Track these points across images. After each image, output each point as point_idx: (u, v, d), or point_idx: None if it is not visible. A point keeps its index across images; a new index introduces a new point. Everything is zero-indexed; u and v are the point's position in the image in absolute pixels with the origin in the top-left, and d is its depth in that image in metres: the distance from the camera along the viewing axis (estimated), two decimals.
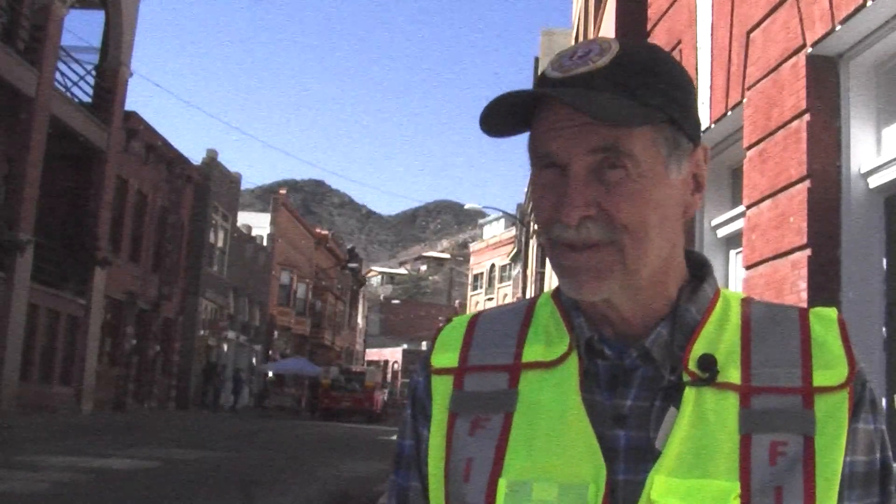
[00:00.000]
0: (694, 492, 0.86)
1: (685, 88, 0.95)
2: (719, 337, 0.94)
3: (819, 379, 0.90)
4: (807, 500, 0.86)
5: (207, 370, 36.07)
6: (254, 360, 44.16)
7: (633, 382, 0.94)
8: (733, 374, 0.91)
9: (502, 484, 0.90)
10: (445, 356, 1.02)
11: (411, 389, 1.06)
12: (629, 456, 0.90)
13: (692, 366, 0.92)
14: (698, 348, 0.93)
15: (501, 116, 0.94)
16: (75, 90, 23.99)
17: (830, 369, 0.91)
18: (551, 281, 24.54)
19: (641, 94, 0.90)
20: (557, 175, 0.92)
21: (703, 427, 0.89)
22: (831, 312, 0.96)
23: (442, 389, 1.00)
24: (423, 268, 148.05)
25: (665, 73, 0.93)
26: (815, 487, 0.86)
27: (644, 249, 0.91)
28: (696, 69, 6.50)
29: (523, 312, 1.04)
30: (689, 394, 0.90)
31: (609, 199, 0.90)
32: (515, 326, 1.02)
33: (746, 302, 0.99)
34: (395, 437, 1.10)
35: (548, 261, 0.96)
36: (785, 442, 0.87)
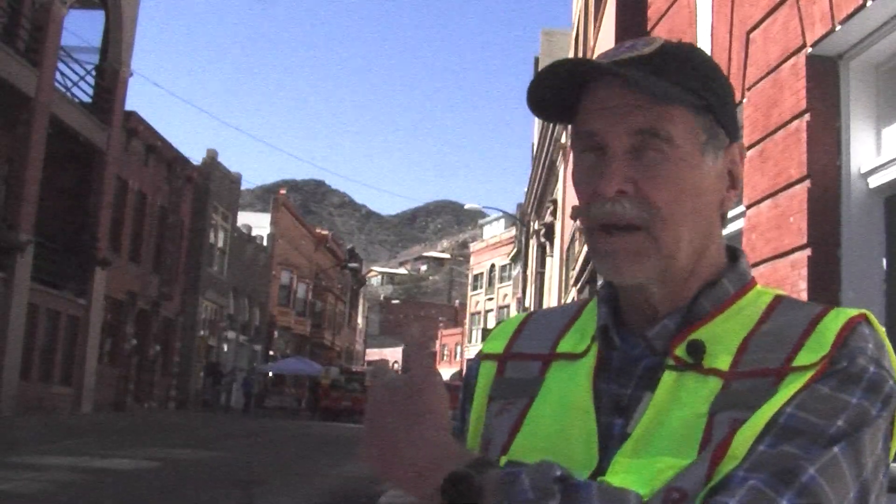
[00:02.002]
0: (640, 468, 0.87)
1: (723, 84, 0.99)
2: (724, 328, 0.95)
3: (798, 360, 0.89)
4: (714, 455, 0.84)
5: (214, 371, 36.01)
6: (254, 361, 44.16)
7: (635, 372, 0.96)
8: (723, 361, 0.92)
9: (502, 461, 0.95)
10: (495, 343, 1.10)
11: (465, 375, 1.13)
12: (621, 442, 0.92)
13: (679, 352, 0.94)
14: (693, 337, 0.94)
15: (547, 99, 0.99)
16: (75, 90, 23.99)
17: (813, 352, 0.89)
18: (551, 281, 24.51)
19: (682, 80, 0.94)
20: (598, 158, 0.96)
21: (674, 409, 0.90)
22: (853, 311, 0.93)
23: (486, 374, 1.07)
24: (423, 268, 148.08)
25: (703, 66, 0.98)
26: (731, 442, 0.84)
27: (677, 234, 0.94)
28: None
29: (575, 308, 1.09)
30: (668, 377, 0.93)
31: (646, 179, 0.93)
32: (563, 321, 1.08)
33: (778, 298, 0.99)
34: None
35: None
36: (744, 417, 0.86)
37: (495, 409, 1.02)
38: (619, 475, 0.87)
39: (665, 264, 0.95)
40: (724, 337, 0.94)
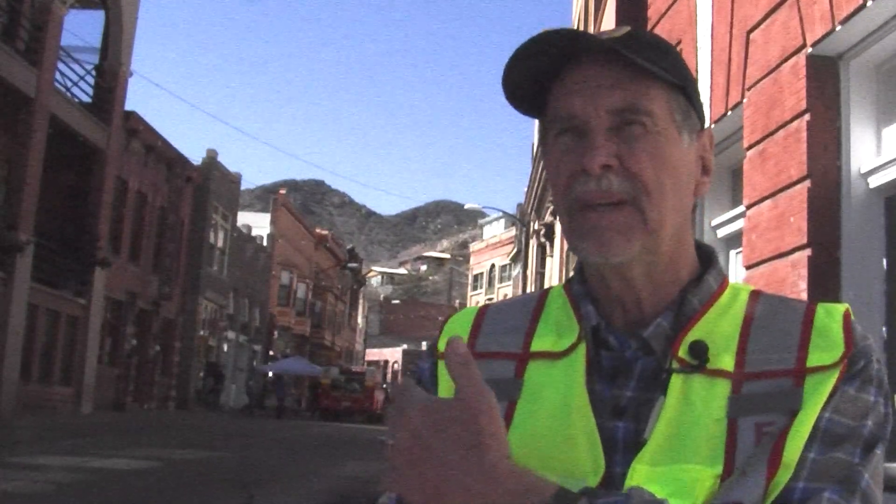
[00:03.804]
0: (671, 477, 0.85)
1: (689, 70, 0.99)
2: (717, 326, 0.94)
3: (813, 360, 0.89)
4: (770, 467, 0.84)
5: (214, 371, 35.91)
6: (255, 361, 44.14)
7: (633, 374, 0.94)
8: (727, 362, 0.91)
9: None
10: None
11: (416, 377, 1.05)
12: (627, 448, 0.89)
13: (682, 353, 0.92)
14: (691, 336, 0.93)
15: (522, 82, 0.96)
16: (75, 90, 23.98)
17: (826, 351, 0.89)
18: (551, 281, 24.51)
19: (656, 60, 0.93)
20: (576, 139, 0.94)
21: (689, 414, 0.88)
22: (840, 306, 0.95)
23: (448, 376, 1.00)
24: (423, 268, 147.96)
25: (671, 50, 0.98)
26: (783, 452, 0.84)
27: (662, 209, 0.93)
28: (696, 69, 6.50)
29: (534, 303, 1.05)
30: (676, 381, 0.90)
31: (629, 153, 0.92)
32: (526, 316, 1.03)
33: (755, 294, 0.98)
34: None
35: (564, 239, 0.96)
36: (771, 422, 0.86)
37: None
38: (645, 485, 0.84)
39: (650, 241, 0.93)
40: (719, 336, 0.93)
